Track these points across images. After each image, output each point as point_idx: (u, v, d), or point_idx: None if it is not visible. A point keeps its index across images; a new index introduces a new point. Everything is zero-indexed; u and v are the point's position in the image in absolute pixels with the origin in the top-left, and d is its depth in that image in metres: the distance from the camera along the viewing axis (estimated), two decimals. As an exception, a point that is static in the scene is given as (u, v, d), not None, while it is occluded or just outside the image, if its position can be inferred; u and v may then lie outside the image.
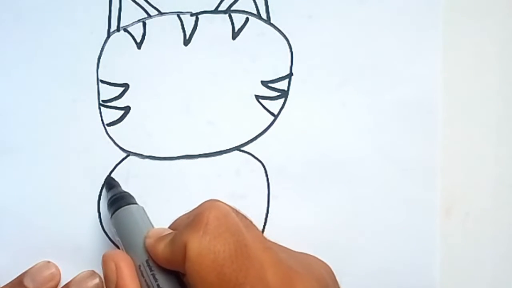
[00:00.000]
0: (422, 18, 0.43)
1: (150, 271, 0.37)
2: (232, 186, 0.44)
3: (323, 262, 0.41)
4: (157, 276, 0.36)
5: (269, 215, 0.44)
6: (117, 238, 0.40)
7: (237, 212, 0.37)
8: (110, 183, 0.43)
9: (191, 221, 0.35)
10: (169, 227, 0.39)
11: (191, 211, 0.38)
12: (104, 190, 0.43)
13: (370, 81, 0.44)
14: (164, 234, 0.37)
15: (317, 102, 0.44)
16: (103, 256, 0.37)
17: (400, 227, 0.43)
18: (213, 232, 0.34)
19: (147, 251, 0.37)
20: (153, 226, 0.40)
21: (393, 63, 0.44)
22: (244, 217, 0.37)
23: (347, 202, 0.44)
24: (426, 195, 0.43)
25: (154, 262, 0.37)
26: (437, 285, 0.43)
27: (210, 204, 0.36)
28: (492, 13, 0.44)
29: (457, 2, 0.44)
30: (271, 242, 0.38)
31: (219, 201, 0.36)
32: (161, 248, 0.36)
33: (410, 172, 0.43)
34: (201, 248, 0.34)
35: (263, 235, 0.37)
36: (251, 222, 0.37)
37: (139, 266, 0.37)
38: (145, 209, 0.44)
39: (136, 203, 0.41)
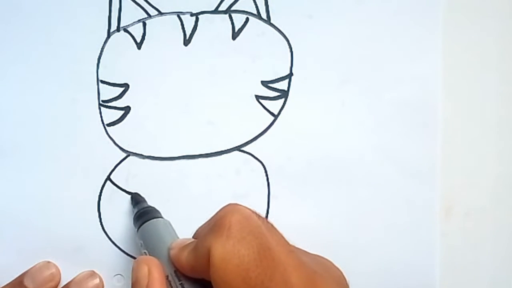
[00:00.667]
0: (422, 18, 0.44)
1: (179, 281, 0.36)
2: (232, 186, 0.44)
3: (336, 266, 0.40)
4: (185, 286, 0.36)
5: (269, 215, 0.44)
6: (144, 251, 0.40)
7: (258, 216, 0.36)
8: (136, 199, 0.43)
9: (212, 226, 0.35)
10: (193, 237, 0.39)
11: (211, 218, 0.37)
12: (130, 205, 0.44)
13: (370, 81, 0.44)
14: (187, 243, 0.37)
15: (317, 102, 0.44)
16: (137, 259, 0.37)
17: (400, 227, 0.43)
18: (236, 236, 0.33)
19: (172, 262, 0.37)
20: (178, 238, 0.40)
21: (393, 63, 0.44)
22: (265, 220, 0.36)
23: (347, 202, 0.44)
24: (426, 195, 0.43)
25: (181, 272, 0.37)
26: (437, 285, 0.43)
27: (231, 208, 0.35)
28: (492, 13, 0.45)
29: (457, 2, 0.44)
30: (293, 246, 0.38)
31: (239, 204, 0.36)
32: (185, 257, 0.36)
33: (410, 172, 0.43)
34: (225, 252, 0.33)
35: (285, 238, 0.37)
36: (272, 225, 0.37)
37: (167, 276, 0.37)
38: (145, 209, 0.44)
39: (162, 217, 0.41)
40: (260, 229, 0.34)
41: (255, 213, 0.36)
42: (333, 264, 0.39)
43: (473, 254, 0.45)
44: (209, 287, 0.35)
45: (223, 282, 0.33)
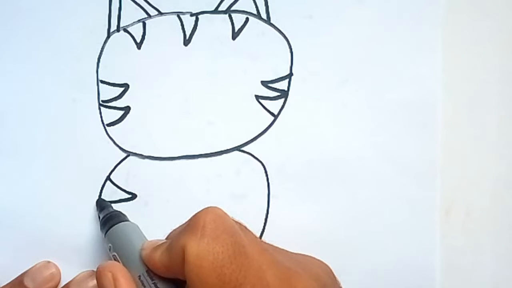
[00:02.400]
0: (422, 18, 0.43)
1: (152, 280, 0.37)
2: (232, 186, 0.44)
3: (320, 261, 0.41)
4: (158, 285, 0.36)
5: (269, 215, 0.44)
6: (113, 254, 0.40)
7: (232, 218, 0.37)
8: (101, 204, 0.43)
9: (186, 226, 0.35)
10: (167, 236, 0.40)
11: (185, 221, 0.38)
12: (96, 211, 0.44)
13: (370, 81, 0.44)
14: (160, 243, 0.37)
15: (317, 102, 0.44)
16: (99, 267, 0.37)
17: (400, 227, 0.43)
18: (210, 234, 0.34)
19: (144, 262, 0.37)
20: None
21: (393, 63, 0.44)
22: (239, 222, 0.37)
23: (347, 202, 0.44)
24: (426, 195, 0.43)
25: (153, 272, 0.37)
26: (437, 285, 0.43)
27: (205, 209, 0.36)
28: (492, 13, 0.44)
29: (457, 2, 0.44)
30: (268, 244, 0.39)
31: (213, 206, 0.36)
32: (158, 256, 0.36)
33: (410, 172, 0.43)
34: (200, 250, 0.33)
35: (258, 238, 0.37)
36: (246, 226, 0.37)
37: (139, 276, 0.37)
38: (145, 209, 0.44)
39: (129, 221, 0.42)
40: (234, 228, 0.35)
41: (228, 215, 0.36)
42: (315, 262, 0.40)
43: (473, 254, 0.44)
44: (182, 287, 0.36)
45: (198, 279, 0.33)
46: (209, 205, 0.37)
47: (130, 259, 0.38)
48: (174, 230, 0.40)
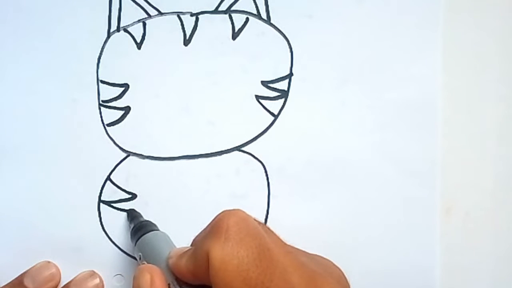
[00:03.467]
0: (422, 18, 0.44)
1: None
2: (232, 186, 0.44)
3: (336, 265, 0.40)
4: None
5: (269, 215, 0.44)
6: (143, 263, 0.40)
7: (255, 218, 0.36)
8: (132, 214, 0.44)
9: (210, 231, 0.35)
10: (190, 245, 0.39)
11: (208, 225, 0.37)
12: (127, 220, 0.44)
13: (370, 81, 0.44)
14: (185, 250, 0.37)
15: (317, 102, 0.44)
16: (139, 268, 0.37)
17: (400, 227, 0.43)
18: (234, 238, 0.33)
19: (171, 270, 0.37)
20: None
21: (393, 63, 0.44)
22: (262, 223, 0.36)
23: (347, 202, 0.44)
24: (426, 195, 0.43)
25: (181, 280, 0.36)
26: (437, 285, 0.43)
27: (227, 212, 0.35)
28: (492, 13, 0.45)
29: (457, 2, 0.44)
30: (290, 246, 0.38)
31: (235, 209, 0.35)
32: (184, 263, 0.36)
33: (410, 172, 0.43)
34: (224, 254, 0.33)
35: (282, 240, 0.37)
36: (269, 228, 0.37)
37: (169, 285, 0.37)
38: (145, 209, 0.44)
39: (158, 230, 0.41)
40: (257, 230, 0.34)
41: (251, 217, 0.36)
42: (332, 264, 0.39)
43: (473, 254, 0.45)
44: None
45: (224, 284, 0.32)
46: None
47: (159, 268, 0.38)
48: (198, 235, 0.38)
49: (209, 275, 0.33)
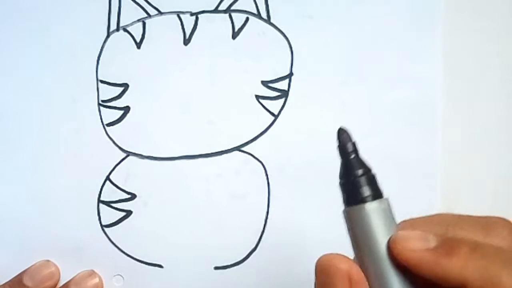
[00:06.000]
0: (422, 18, 0.43)
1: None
2: (232, 186, 0.44)
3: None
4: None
5: (269, 215, 0.44)
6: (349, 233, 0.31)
7: None
8: (344, 147, 0.31)
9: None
10: (420, 224, 0.31)
11: (477, 218, 0.30)
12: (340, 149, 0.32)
13: (370, 81, 0.44)
14: (435, 239, 0.29)
15: (317, 102, 0.44)
16: (333, 261, 0.30)
17: (400, 227, 0.43)
18: None
19: (396, 264, 0.28)
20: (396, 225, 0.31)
21: (393, 63, 0.44)
22: None
23: (347, 202, 0.44)
24: (427, 195, 0.43)
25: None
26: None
27: None
28: (492, 13, 0.45)
29: (457, 2, 0.44)
30: None
31: None
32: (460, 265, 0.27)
33: (411, 172, 0.43)
34: None
35: None
36: None
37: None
38: (144, 209, 0.44)
39: (382, 195, 0.31)
40: None
41: None
42: None
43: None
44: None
45: None
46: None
47: (371, 253, 0.30)
48: (444, 220, 0.30)
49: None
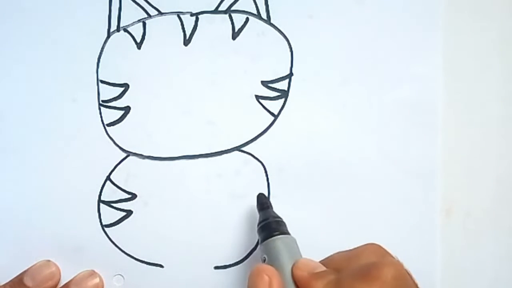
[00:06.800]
0: (422, 18, 0.44)
1: None
2: (232, 186, 0.44)
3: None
4: None
5: (269, 215, 0.44)
6: (265, 262, 0.39)
7: (410, 274, 0.35)
8: (262, 203, 0.42)
9: (365, 274, 0.33)
10: (321, 262, 0.38)
11: (351, 251, 0.36)
12: (257, 208, 0.42)
13: (370, 81, 0.44)
14: (319, 270, 0.36)
15: (317, 102, 0.44)
16: (259, 267, 0.37)
17: (401, 228, 0.43)
18: None
19: (295, 281, 0.36)
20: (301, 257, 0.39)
21: (393, 63, 0.44)
22: (415, 283, 0.35)
23: (347, 202, 0.44)
24: (427, 195, 0.43)
25: None
26: (437, 286, 0.43)
27: (388, 263, 0.34)
28: (492, 13, 0.45)
29: (457, 2, 0.44)
30: None
31: (395, 260, 0.35)
32: (318, 285, 0.35)
33: (411, 172, 0.43)
34: None
35: None
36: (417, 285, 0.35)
37: None
38: (145, 209, 0.44)
39: (288, 233, 0.40)
40: None
41: (407, 270, 0.35)
42: None
43: (474, 254, 0.44)
44: None
45: None
46: (375, 243, 0.36)
47: (281, 276, 0.37)
48: (334, 255, 0.38)
49: None
